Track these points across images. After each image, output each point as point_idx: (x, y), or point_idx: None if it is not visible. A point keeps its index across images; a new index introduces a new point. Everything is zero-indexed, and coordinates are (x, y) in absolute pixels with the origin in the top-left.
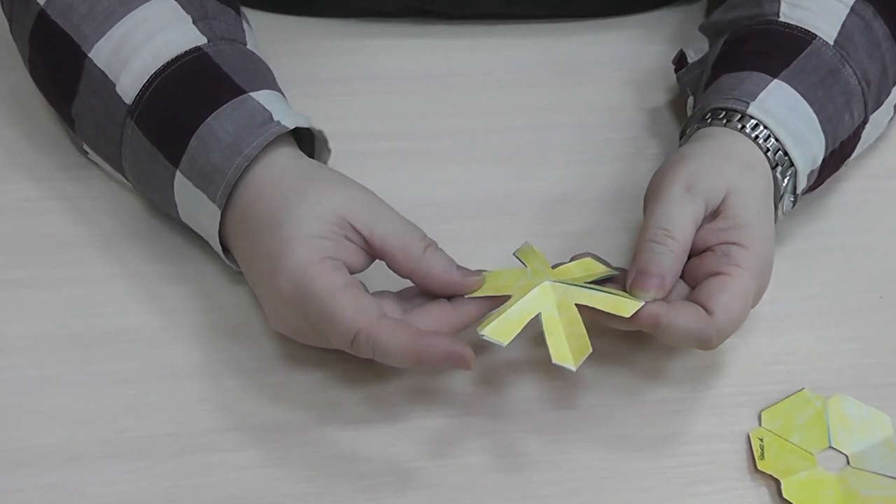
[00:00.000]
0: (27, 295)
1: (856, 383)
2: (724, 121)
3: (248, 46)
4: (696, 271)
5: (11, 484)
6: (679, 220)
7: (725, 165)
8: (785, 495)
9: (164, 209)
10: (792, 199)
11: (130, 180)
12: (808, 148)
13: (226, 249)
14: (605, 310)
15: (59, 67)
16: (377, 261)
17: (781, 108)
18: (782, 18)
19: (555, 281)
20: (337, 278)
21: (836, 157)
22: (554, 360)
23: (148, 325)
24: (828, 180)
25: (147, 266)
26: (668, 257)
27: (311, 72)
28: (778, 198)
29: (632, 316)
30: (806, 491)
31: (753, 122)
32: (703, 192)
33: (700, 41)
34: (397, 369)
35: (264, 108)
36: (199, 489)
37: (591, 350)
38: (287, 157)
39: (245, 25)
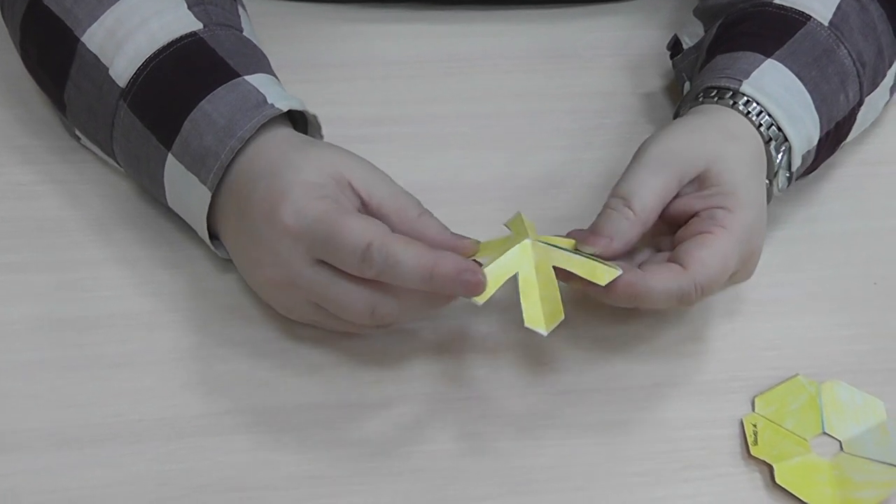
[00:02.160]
0: (19, 279)
1: (850, 369)
2: (717, 98)
3: (244, 33)
4: (682, 236)
5: (4, 468)
6: (638, 192)
7: (706, 136)
8: (778, 481)
9: (153, 193)
10: (787, 175)
11: (121, 164)
12: (802, 126)
13: (212, 237)
14: (582, 275)
15: (51, 52)
16: None
17: (775, 86)
18: (777, 0)
19: (536, 240)
20: (343, 208)
21: (832, 139)
22: (526, 324)
23: (141, 309)
24: (823, 165)
25: (140, 250)
26: (622, 223)
27: (306, 57)
28: (772, 173)
29: (608, 288)
30: (799, 476)
31: (746, 99)
32: (676, 164)
33: (695, 26)
34: (388, 350)
35: (258, 90)
36: (193, 473)
37: (563, 317)
38: (283, 133)
39: (241, 11)
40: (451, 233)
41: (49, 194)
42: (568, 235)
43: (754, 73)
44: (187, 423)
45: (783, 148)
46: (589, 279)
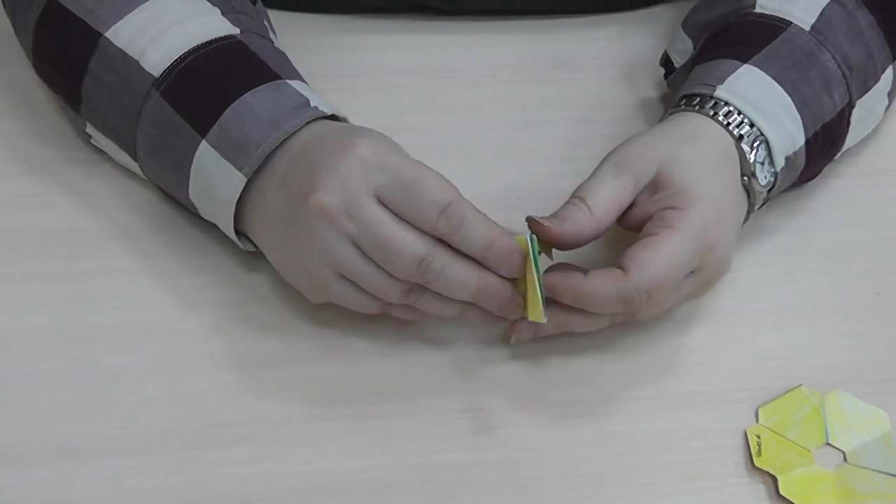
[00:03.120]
0: (23, 290)
1: (853, 379)
2: (685, 105)
3: (275, 45)
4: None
5: (6, 480)
6: (595, 192)
7: (661, 141)
8: (782, 492)
9: (170, 187)
10: (771, 172)
11: (141, 156)
12: (780, 125)
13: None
14: (527, 296)
15: (68, 49)
16: None
17: (750, 88)
18: (758, 10)
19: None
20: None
21: (824, 143)
22: (530, 318)
23: (144, 320)
24: (824, 175)
25: (146, 260)
26: (576, 213)
27: (308, 68)
28: (749, 169)
29: (553, 288)
30: (803, 487)
31: (715, 101)
32: (631, 168)
33: (683, 42)
34: (390, 362)
35: (301, 94)
36: (196, 484)
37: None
38: (328, 127)
39: (266, 23)
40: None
41: (57, 204)
42: (526, 220)
43: (729, 79)
44: (189, 434)
45: (757, 143)
46: (527, 303)
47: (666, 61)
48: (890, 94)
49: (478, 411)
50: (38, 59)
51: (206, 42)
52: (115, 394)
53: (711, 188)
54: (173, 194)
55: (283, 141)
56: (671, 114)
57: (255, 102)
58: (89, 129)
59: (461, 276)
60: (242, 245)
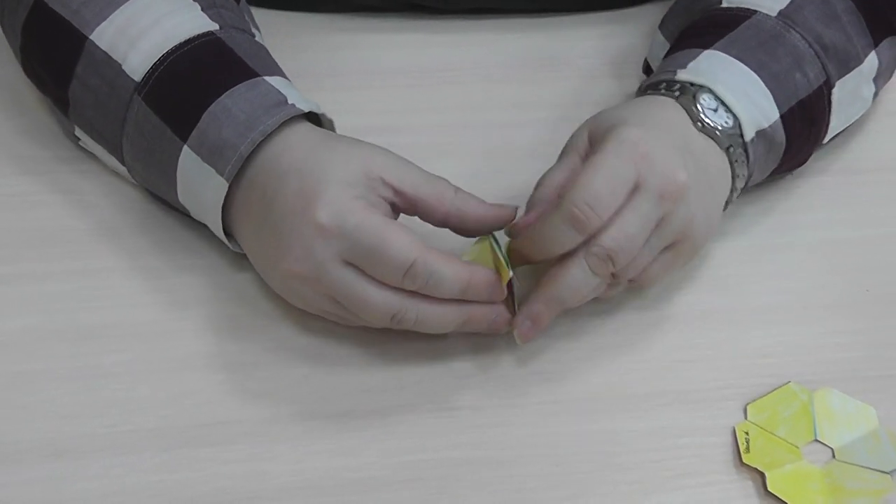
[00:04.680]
0: (14, 289)
1: (842, 376)
2: (661, 91)
3: (255, 39)
4: None
5: None
6: (546, 176)
7: (596, 113)
8: (770, 488)
9: (160, 190)
10: (729, 116)
11: (128, 161)
12: (744, 97)
13: (225, 232)
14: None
15: (55, 52)
16: None
17: (711, 68)
18: (724, 4)
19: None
20: (378, 213)
21: (803, 120)
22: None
23: (137, 319)
24: (812, 172)
25: (138, 259)
26: (534, 193)
27: (301, 67)
28: (697, 116)
29: (514, 248)
30: (791, 484)
31: (680, 84)
32: (569, 147)
33: (662, 48)
34: (382, 360)
35: (278, 90)
36: (187, 483)
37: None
38: (305, 129)
39: (247, 18)
40: (490, 204)
41: (47, 204)
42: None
43: (690, 64)
44: (180, 433)
45: (698, 94)
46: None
47: (647, 68)
48: (876, 80)
49: (466, 409)
50: (27, 60)
51: (185, 41)
52: (106, 393)
53: (634, 118)
54: (163, 197)
55: (261, 142)
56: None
57: (231, 103)
58: (78, 132)
59: (440, 317)
60: (233, 247)
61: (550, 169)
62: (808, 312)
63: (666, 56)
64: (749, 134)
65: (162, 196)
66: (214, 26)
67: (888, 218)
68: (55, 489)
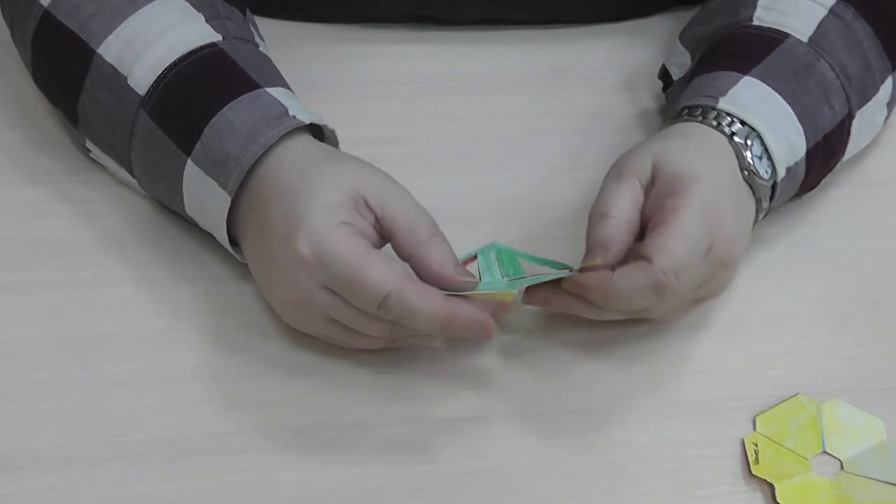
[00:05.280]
0: (26, 298)
1: (850, 388)
2: (688, 116)
3: (259, 49)
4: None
5: (8, 487)
6: (610, 200)
7: (652, 142)
8: (779, 500)
9: (168, 202)
10: (769, 166)
11: (137, 174)
12: (781, 134)
13: (233, 242)
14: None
15: (64, 65)
16: None
17: (752, 100)
18: (755, 22)
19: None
20: (359, 242)
21: (824, 153)
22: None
23: (146, 328)
24: (821, 185)
25: (146, 270)
26: (607, 229)
27: (308, 77)
28: (747, 164)
29: (580, 286)
30: (800, 496)
31: (717, 113)
32: (630, 171)
33: (681, 55)
34: (391, 371)
35: (280, 102)
36: (197, 493)
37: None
38: (304, 143)
39: (252, 29)
40: (453, 266)
41: (56, 214)
42: (577, 273)
43: (731, 91)
44: (192, 442)
45: (749, 140)
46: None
47: (664, 74)
48: (889, 105)
49: (475, 420)
50: (37, 73)
51: (188, 53)
52: (116, 402)
53: (706, 169)
54: (173, 208)
55: (262, 154)
56: (671, 124)
57: (233, 116)
58: (88, 143)
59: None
60: (240, 258)
61: (611, 193)
62: (816, 324)
63: (698, 68)
64: (780, 174)
65: (170, 207)
66: (218, 37)
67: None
68: (66, 497)
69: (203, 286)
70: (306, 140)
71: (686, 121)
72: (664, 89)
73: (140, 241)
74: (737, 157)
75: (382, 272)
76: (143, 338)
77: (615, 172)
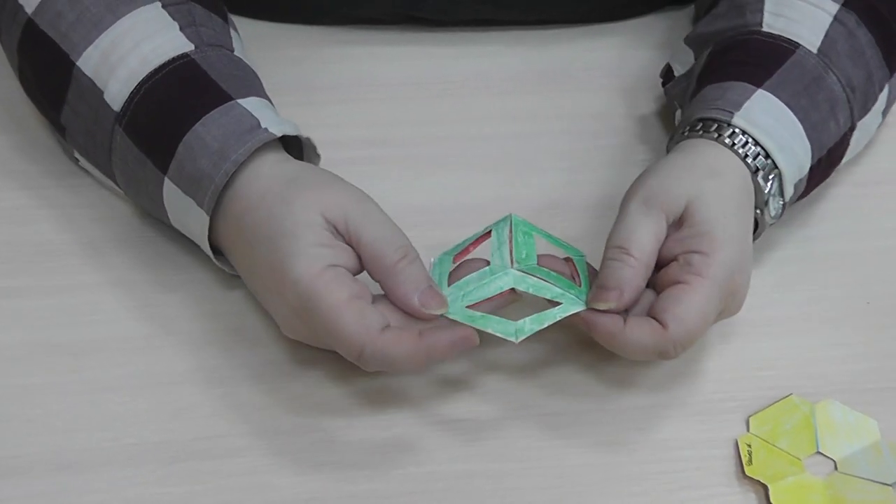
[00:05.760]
0: (16, 304)
1: (843, 388)
2: (702, 132)
3: (235, 53)
4: (661, 282)
5: (1, 493)
6: (635, 236)
7: (686, 174)
8: (773, 500)
9: (156, 215)
10: (780, 203)
11: (121, 186)
12: (792, 155)
13: (219, 252)
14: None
15: (48, 76)
16: None
17: (766, 117)
18: (765, 28)
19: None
20: (340, 290)
21: (825, 165)
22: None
23: (138, 332)
24: (820, 186)
25: (138, 274)
26: (625, 272)
27: (300, 79)
28: (762, 201)
29: (590, 328)
30: (793, 496)
31: (732, 130)
32: (661, 205)
33: (685, 54)
34: (384, 373)
35: (252, 114)
36: (191, 496)
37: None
38: (273, 162)
39: (233, 32)
40: (418, 296)
41: (46, 218)
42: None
43: (745, 105)
44: (184, 446)
45: (772, 176)
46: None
47: (667, 72)
48: (884, 112)
49: (467, 422)
50: (24, 79)
51: (160, 66)
52: (108, 406)
53: (735, 229)
54: (161, 220)
55: (234, 173)
56: (687, 137)
57: (204, 132)
58: (76, 154)
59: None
60: (226, 269)
61: (636, 227)
62: (809, 324)
63: (709, 75)
64: (788, 193)
65: (160, 220)
66: (190, 46)
67: (889, 230)
68: (59, 502)
69: (192, 290)
70: (275, 160)
71: (703, 137)
72: (664, 84)
73: (127, 246)
74: (755, 193)
75: (355, 327)
76: (132, 342)
77: (642, 199)
